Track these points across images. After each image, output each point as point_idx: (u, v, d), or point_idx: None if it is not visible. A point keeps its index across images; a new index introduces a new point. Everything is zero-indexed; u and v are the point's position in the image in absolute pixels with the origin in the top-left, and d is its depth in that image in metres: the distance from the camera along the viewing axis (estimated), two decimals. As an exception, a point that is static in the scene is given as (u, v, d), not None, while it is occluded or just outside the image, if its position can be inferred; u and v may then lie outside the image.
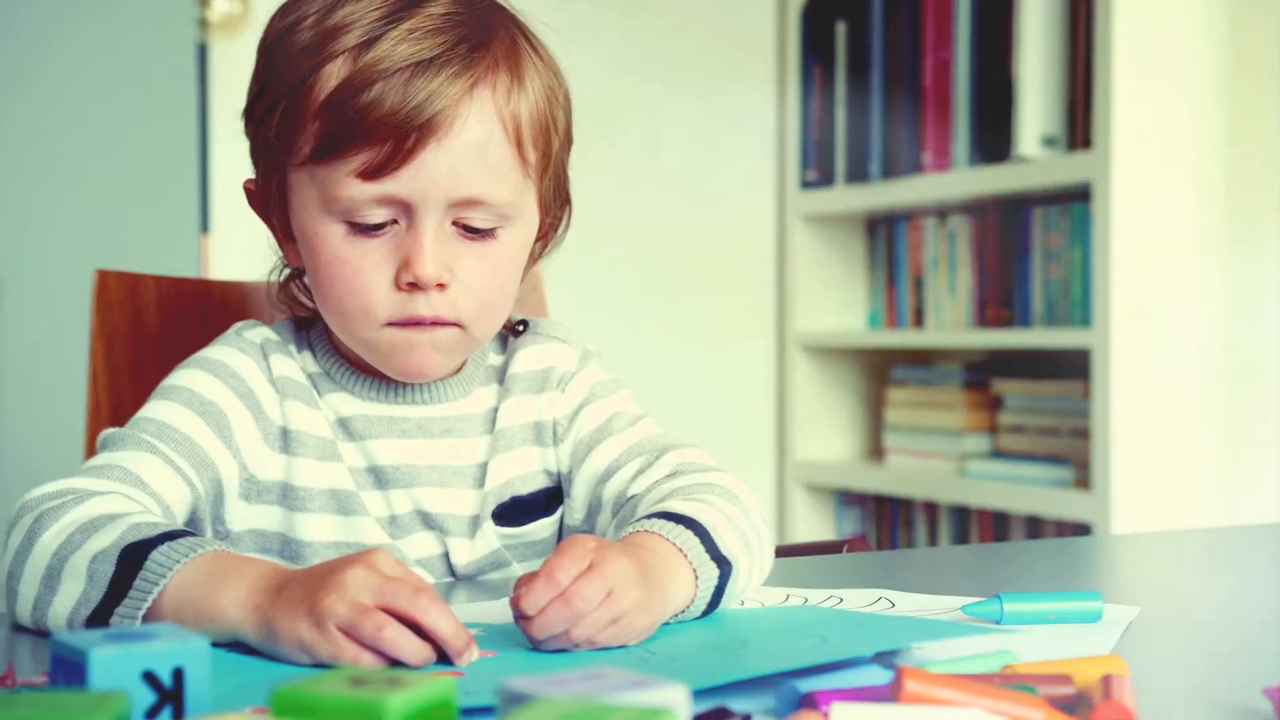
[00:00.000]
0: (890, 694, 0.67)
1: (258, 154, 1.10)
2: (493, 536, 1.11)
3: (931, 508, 3.06)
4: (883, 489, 3.07)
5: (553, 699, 0.55)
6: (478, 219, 1.03)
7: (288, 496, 1.08)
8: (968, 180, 2.82)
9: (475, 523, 1.11)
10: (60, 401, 2.17)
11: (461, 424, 1.13)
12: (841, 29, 3.13)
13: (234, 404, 1.07)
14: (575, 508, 1.14)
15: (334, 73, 1.01)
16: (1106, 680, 0.70)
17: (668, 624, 0.91)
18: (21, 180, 2.20)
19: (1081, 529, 2.67)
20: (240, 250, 2.60)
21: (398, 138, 0.99)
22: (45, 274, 2.23)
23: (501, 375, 1.16)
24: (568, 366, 1.16)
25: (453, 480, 1.11)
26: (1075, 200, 2.71)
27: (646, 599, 0.86)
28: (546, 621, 0.82)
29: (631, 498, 1.08)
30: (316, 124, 1.01)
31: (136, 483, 0.99)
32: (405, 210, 1.02)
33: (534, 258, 1.16)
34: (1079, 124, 2.64)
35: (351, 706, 0.56)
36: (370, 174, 1.00)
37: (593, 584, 0.83)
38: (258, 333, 1.12)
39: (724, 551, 0.95)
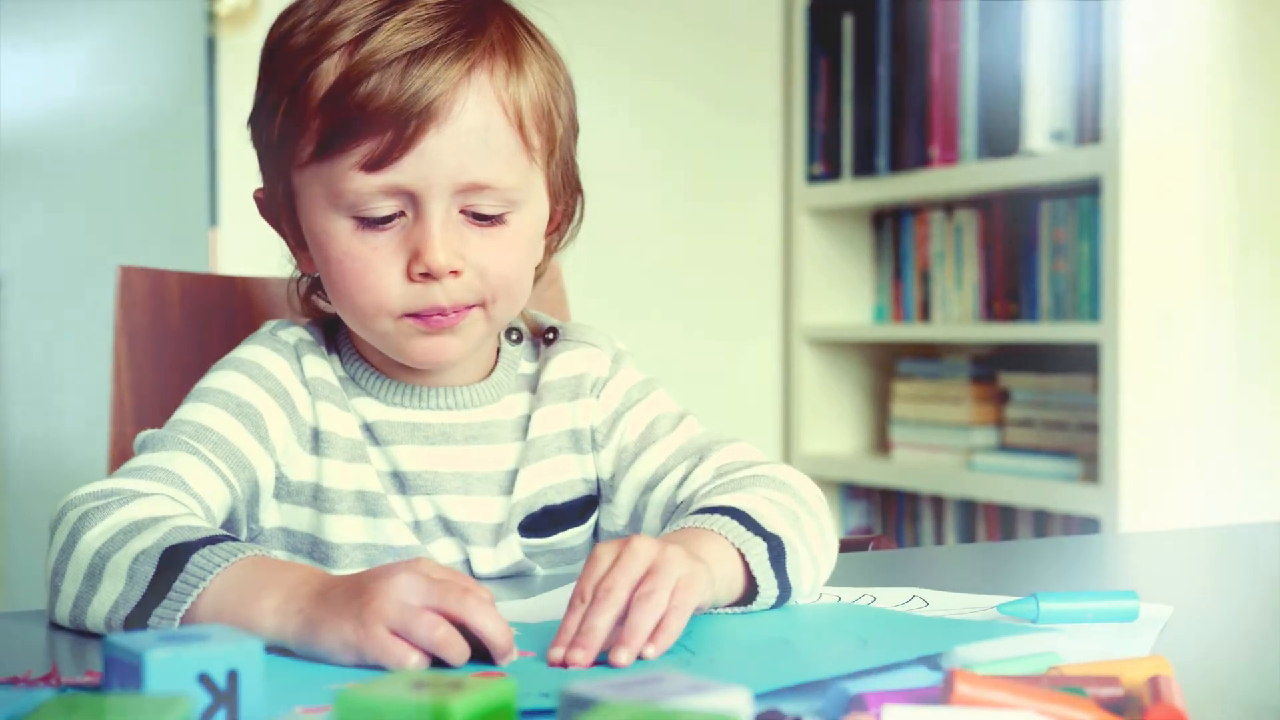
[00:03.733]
0: (941, 696, 0.67)
1: (264, 160, 1.10)
2: (516, 548, 1.11)
3: (938, 501, 3.06)
4: (889, 482, 3.07)
5: (617, 704, 0.55)
6: (485, 205, 1.03)
7: (318, 498, 1.08)
8: (975, 174, 2.83)
9: (500, 531, 1.11)
10: (71, 394, 2.17)
11: (488, 430, 1.12)
12: (848, 22, 3.13)
13: (269, 404, 1.07)
14: (618, 514, 1.14)
15: (331, 68, 1.01)
16: (1154, 681, 0.70)
17: (726, 615, 0.92)
18: (29, 174, 2.20)
19: (1089, 523, 2.67)
20: (249, 244, 2.59)
21: (397, 126, 0.99)
22: (52, 268, 2.22)
23: (534, 383, 1.15)
24: (600, 372, 1.15)
25: (477, 488, 1.11)
26: (1083, 194, 2.71)
27: (692, 570, 0.86)
28: (588, 630, 0.81)
29: (681, 503, 1.07)
30: (317, 121, 1.01)
31: (180, 484, 0.99)
32: (411, 200, 1.02)
33: (550, 249, 1.16)
34: (1087, 118, 2.64)
35: (416, 710, 0.56)
36: (373, 165, 1.00)
37: (622, 571, 0.83)
38: (292, 333, 1.12)
39: (768, 528, 0.95)
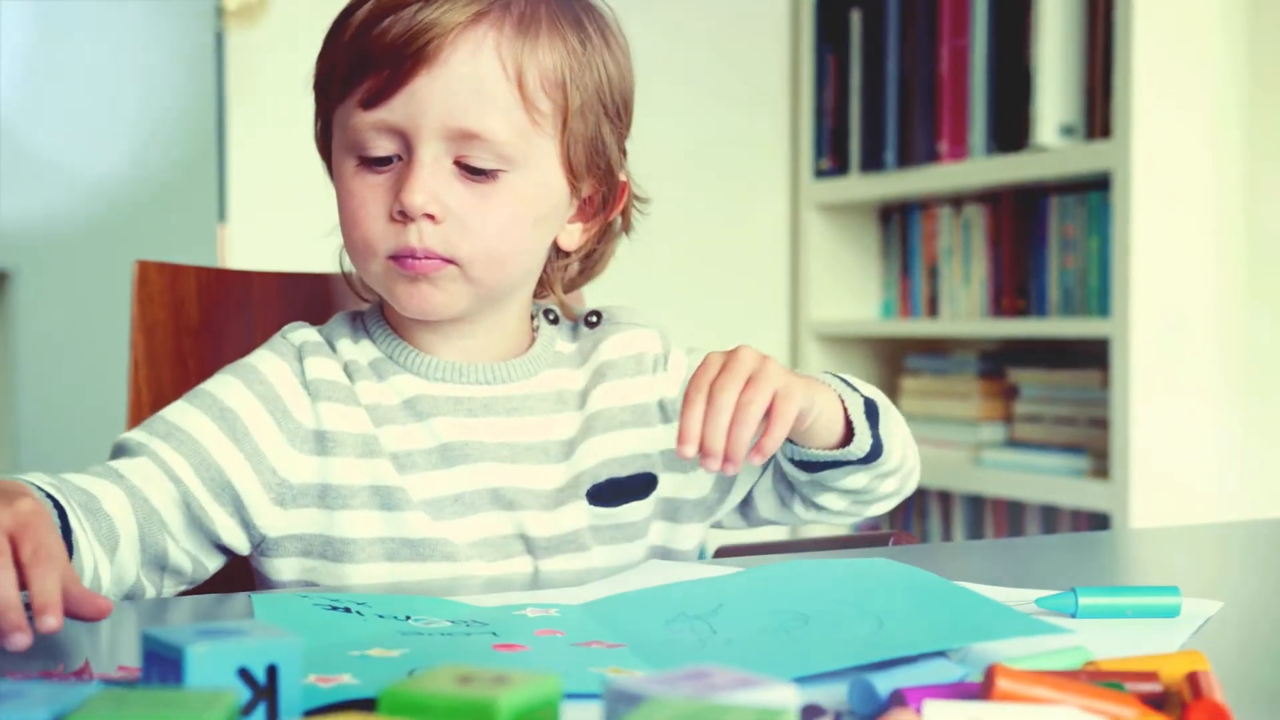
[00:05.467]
0: (982, 691, 0.67)
1: (317, 119, 1.14)
2: (580, 515, 1.13)
3: (946, 497, 3.06)
4: (897, 478, 3.06)
5: (666, 700, 0.55)
6: (478, 157, 1.05)
7: (327, 496, 1.08)
8: (984, 169, 2.82)
9: (557, 497, 1.12)
10: (81, 388, 2.16)
11: (528, 402, 1.14)
12: (856, 16, 3.13)
13: (255, 410, 1.08)
14: (705, 481, 1.19)
15: (363, 13, 1.06)
16: (1194, 677, 0.70)
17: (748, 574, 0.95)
18: (38, 170, 2.19)
19: (1098, 519, 2.67)
20: (258, 239, 2.59)
21: (394, 65, 1.03)
22: (61, 263, 2.22)
23: (581, 360, 1.18)
24: (657, 349, 1.21)
25: (524, 456, 1.12)
26: (1092, 189, 2.71)
27: (789, 381, 0.99)
28: (712, 434, 0.95)
29: None
30: (342, 64, 1.06)
31: (113, 476, 1.02)
32: (405, 143, 1.05)
33: (593, 236, 1.18)
34: (1097, 112, 2.64)
35: (462, 705, 0.56)
36: (370, 102, 1.04)
37: (730, 375, 0.97)
38: (299, 335, 1.14)
39: (865, 393, 1.11)
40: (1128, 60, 2.53)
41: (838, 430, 1.09)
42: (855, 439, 1.08)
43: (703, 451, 0.95)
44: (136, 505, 1.02)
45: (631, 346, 1.19)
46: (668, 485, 1.18)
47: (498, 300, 1.12)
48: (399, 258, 1.06)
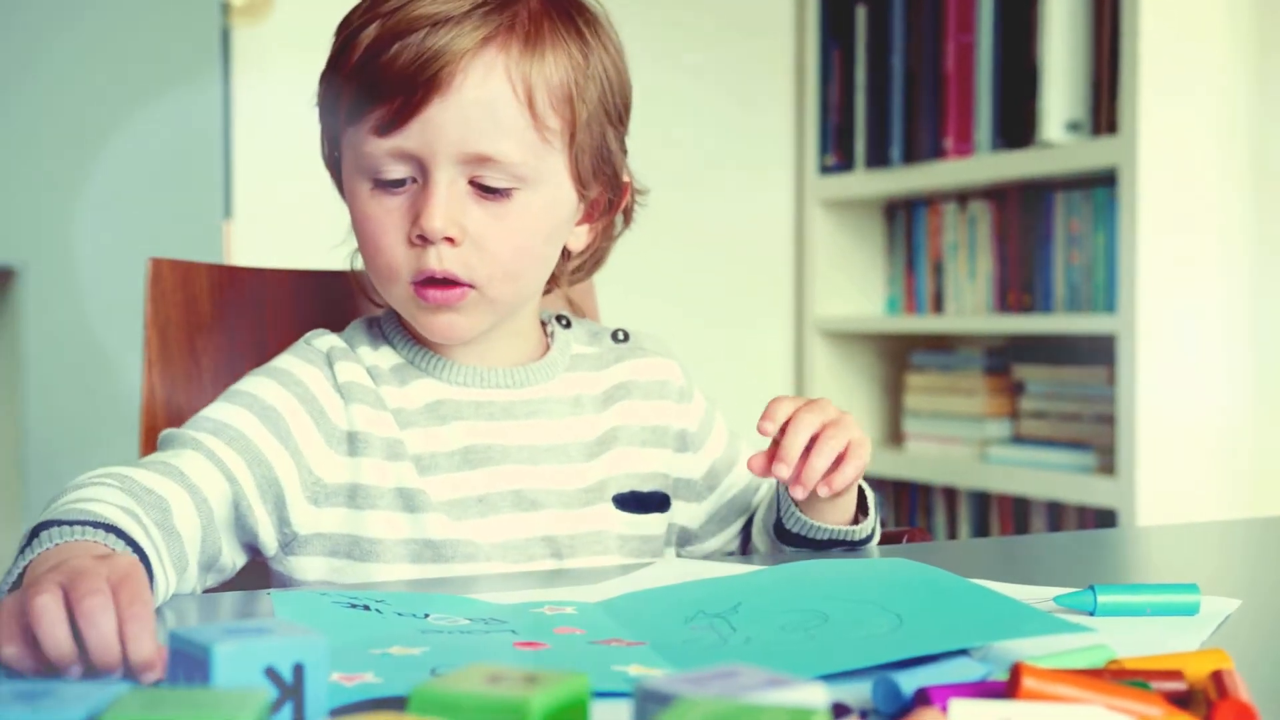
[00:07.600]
0: (1007, 690, 0.67)
1: (321, 126, 1.14)
2: (606, 518, 1.14)
3: (951, 494, 3.06)
4: (902, 474, 3.07)
5: (697, 699, 0.55)
6: (492, 178, 1.06)
7: (356, 496, 1.09)
8: (990, 165, 2.82)
9: (582, 497, 1.14)
10: (88, 385, 2.16)
11: (547, 405, 1.16)
12: (861, 12, 3.12)
13: (295, 409, 1.09)
14: (699, 514, 1.22)
15: (369, 35, 1.05)
16: (1219, 675, 0.70)
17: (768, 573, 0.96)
18: (44, 168, 2.19)
19: (1105, 515, 2.67)
20: (263, 236, 2.59)
21: (406, 93, 1.03)
22: (68, 260, 2.22)
23: (601, 365, 1.20)
24: (680, 380, 1.23)
25: (545, 458, 1.13)
26: (1098, 185, 2.71)
27: (864, 435, 1.07)
28: (789, 445, 1.03)
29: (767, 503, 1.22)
30: (351, 85, 1.06)
31: (176, 475, 1.01)
32: (420, 167, 1.05)
33: (598, 236, 1.20)
34: (1104, 108, 2.64)
35: (493, 705, 0.56)
36: (384, 129, 1.05)
37: (814, 407, 1.05)
38: (324, 341, 1.14)
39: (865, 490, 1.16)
40: (1134, 56, 2.52)
41: (851, 510, 1.15)
42: (862, 522, 1.15)
43: (779, 458, 1.03)
44: (200, 508, 1.01)
45: (656, 373, 1.22)
46: (676, 512, 1.21)
47: (514, 310, 1.14)
48: (421, 288, 1.07)
